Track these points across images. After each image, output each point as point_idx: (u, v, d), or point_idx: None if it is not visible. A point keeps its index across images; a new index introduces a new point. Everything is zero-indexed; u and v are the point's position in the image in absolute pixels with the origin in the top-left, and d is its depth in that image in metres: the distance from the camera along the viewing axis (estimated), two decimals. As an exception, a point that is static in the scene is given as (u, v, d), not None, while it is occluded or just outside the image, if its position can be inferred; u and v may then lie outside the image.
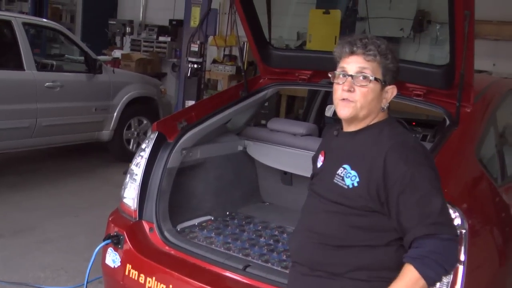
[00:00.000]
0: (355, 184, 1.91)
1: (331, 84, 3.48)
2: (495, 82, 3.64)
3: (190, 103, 7.02)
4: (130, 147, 7.62)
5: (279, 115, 8.85)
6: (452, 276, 2.32)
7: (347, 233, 1.92)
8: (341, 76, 1.98)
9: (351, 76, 1.95)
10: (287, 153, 3.72)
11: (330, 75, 2.04)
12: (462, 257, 2.34)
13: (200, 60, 6.98)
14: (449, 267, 1.83)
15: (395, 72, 2.01)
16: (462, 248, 2.35)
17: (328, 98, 5.31)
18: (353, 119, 1.99)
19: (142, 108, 7.74)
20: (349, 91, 1.95)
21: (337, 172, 1.97)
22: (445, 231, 1.82)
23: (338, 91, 1.98)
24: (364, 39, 1.98)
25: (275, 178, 3.97)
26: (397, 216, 1.87)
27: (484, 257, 2.60)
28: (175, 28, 11.35)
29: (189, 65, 6.90)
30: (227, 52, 10.88)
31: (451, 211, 2.35)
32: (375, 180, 1.87)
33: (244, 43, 10.05)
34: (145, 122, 7.78)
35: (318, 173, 2.13)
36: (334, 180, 1.96)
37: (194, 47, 6.94)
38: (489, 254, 2.66)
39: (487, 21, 7.68)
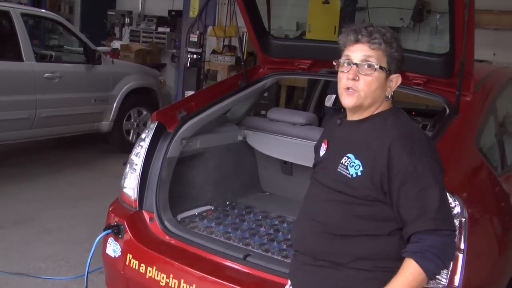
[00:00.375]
0: (359, 174, 1.90)
1: (331, 73, 3.52)
2: (495, 71, 3.64)
3: (189, 93, 7.01)
4: (130, 138, 7.62)
5: (279, 106, 8.84)
6: (452, 264, 2.33)
7: (350, 222, 1.91)
8: (345, 64, 1.97)
9: (356, 64, 1.94)
10: (287, 143, 3.72)
11: (334, 63, 2.03)
12: (462, 246, 2.35)
13: (200, 50, 6.99)
14: (448, 261, 1.86)
15: (400, 61, 1.99)
16: (462, 237, 2.35)
17: (327, 88, 5.31)
18: (357, 108, 1.98)
19: (142, 98, 7.73)
20: (353, 79, 1.93)
21: (341, 161, 1.96)
22: (444, 227, 1.83)
23: (343, 80, 1.97)
24: (369, 27, 1.96)
25: (275, 168, 3.97)
26: (397, 207, 1.87)
27: (483, 246, 2.60)
28: (174, 19, 11.32)
29: (189, 56, 6.90)
30: (226, 43, 10.85)
31: (451, 199, 2.35)
32: (379, 169, 1.87)
33: (243, 33, 10.06)
34: (144, 113, 7.77)
35: (320, 162, 2.12)
36: (338, 169, 1.96)
37: (194, 38, 6.94)
38: (488, 243, 2.66)
39: (487, 11, 7.66)
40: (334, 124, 2.16)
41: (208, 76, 10.08)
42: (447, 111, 2.96)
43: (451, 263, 1.91)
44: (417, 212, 1.83)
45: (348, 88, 1.96)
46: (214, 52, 10.46)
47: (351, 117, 2.05)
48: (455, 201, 2.37)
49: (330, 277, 1.94)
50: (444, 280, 2.32)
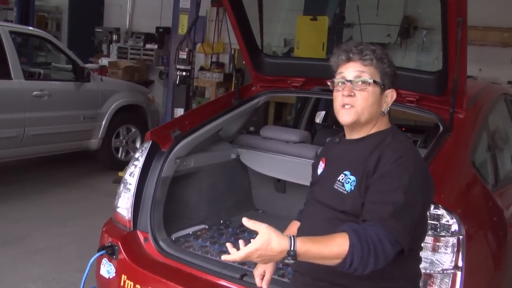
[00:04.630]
0: (352, 188, 1.90)
1: (323, 91, 3.53)
2: (486, 88, 3.68)
3: (179, 111, 7.01)
4: (119, 156, 7.58)
5: (267, 122, 8.85)
6: (450, 283, 2.33)
7: None
8: (340, 83, 1.98)
9: (350, 81, 1.95)
10: (280, 161, 3.72)
11: (329, 83, 2.04)
12: (460, 263, 2.36)
13: (189, 67, 6.98)
14: (372, 265, 1.70)
15: (392, 76, 2.01)
16: (460, 254, 2.36)
17: (318, 104, 5.34)
18: (355, 124, 1.98)
19: (131, 116, 7.70)
20: (349, 95, 1.94)
21: (338, 179, 1.95)
22: (393, 234, 1.72)
23: (338, 98, 1.98)
24: (359, 46, 1.98)
25: (268, 185, 3.96)
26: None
27: (479, 262, 2.61)
28: (162, 36, 11.33)
29: (178, 73, 6.89)
30: (214, 59, 10.88)
31: (448, 217, 2.37)
32: (366, 177, 1.87)
33: (234, 50, 10.06)
34: (133, 130, 7.74)
35: (318, 180, 2.11)
36: (335, 186, 1.95)
37: (183, 55, 6.93)
38: (484, 259, 2.67)
39: (473, 27, 7.75)
40: (333, 142, 2.16)
41: (196, 93, 10.09)
42: (441, 128, 2.98)
43: (368, 270, 1.72)
44: (372, 208, 1.78)
45: (344, 105, 1.96)
46: (202, 68, 10.49)
47: (350, 135, 2.05)
48: (452, 218, 2.38)
49: (331, 298, 1.92)
50: (443, 299, 2.33)
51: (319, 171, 2.13)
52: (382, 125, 2.01)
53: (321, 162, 2.15)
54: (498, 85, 4.73)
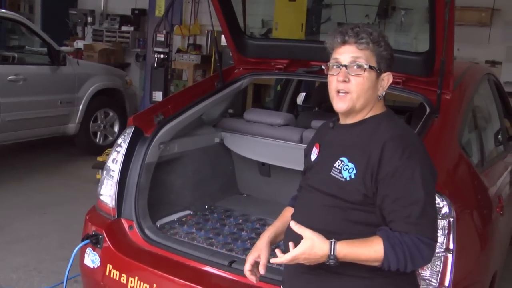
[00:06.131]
0: (352, 177, 1.86)
1: (307, 73, 3.49)
2: (470, 68, 3.66)
3: (157, 94, 6.92)
4: (97, 140, 7.48)
5: (246, 103, 8.78)
6: (441, 265, 2.32)
7: (346, 228, 1.86)
8: (335, 67, 1.93)
9: (345, 66, 1.90)
10: (265, 144, 3.67)
11: (323, 67, 1.99)
12: (451, 246, 2.35)
13: (167, 50, 6.88)
14: (410, 267, 1.79)
15: (389, 59, 1.96)
16: (451, 236, 2.35)
17: (300, 86, 5.30)
18: (350, 111, 1.94)
19: (108, 100, 7.58)
20: (344, 81, 1.90)
21: (334, 165, 1.91)
22: (425, 234, 1.79)
23: (333, 83, 1.93)
24: (355, 28, 1.93)
25: (252, 169, 3.91)
26: (380, 208, 1.84)
27: (468, 243, 2.62)
28: (137, 18, 11.14)
29: (156, 56, 6.79)
30: (191, 41, 10.74)
31: (438, 199, 2.35)
32: (371, 169, 1.83)
33: (208, 32, 9.94)
34: (111, 114, 7.62)
35: (313, 166, 2.07)
36: (331, 173, 1.91)
37: (160, 37, 6.82)
38: (472, 239, 2.68)
39: (451, 7, 7.73)
40: (326, 127, 2.11)
41: (174, 76, 9.96)
42: (427, 109, 2.96)
43: (413, 269, 1.84)
44: (400, 214, 1.80)
45: (339, 92, 1.92)
46: (179, 51, 10.34)
47: (344, 120, 2.00)
48: (443, 201, 2.37)
49: (328, 285, 1.91)
50: (435, 281, 2.32)
51: (313, 157, 2.09)
52: (377, 109, 1.97)
53: (314, 147, 2.10)
54: (481, 65, 4.74)
